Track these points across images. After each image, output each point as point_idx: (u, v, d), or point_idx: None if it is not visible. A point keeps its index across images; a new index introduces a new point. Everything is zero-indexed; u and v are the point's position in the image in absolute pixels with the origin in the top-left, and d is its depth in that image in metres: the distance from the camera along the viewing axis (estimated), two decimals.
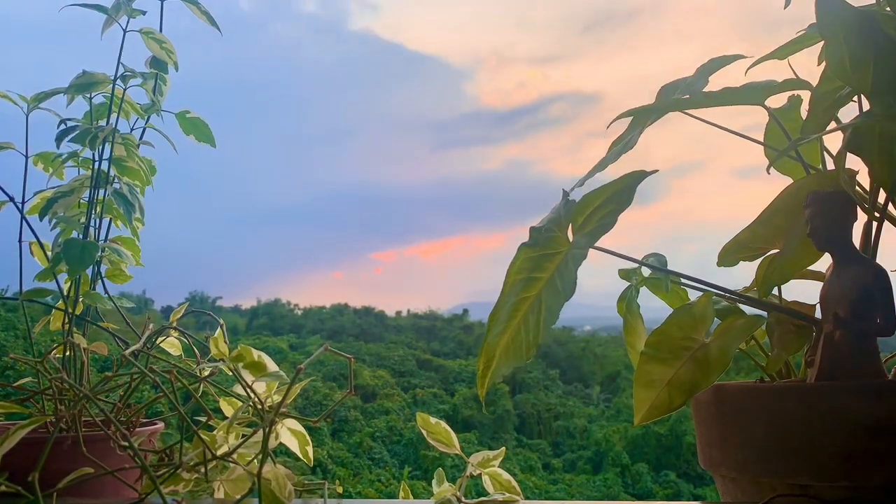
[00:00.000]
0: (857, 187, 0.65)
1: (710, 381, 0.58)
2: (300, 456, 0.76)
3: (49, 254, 0.89)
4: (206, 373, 0.72)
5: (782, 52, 0.76)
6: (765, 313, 0.66)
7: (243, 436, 0.70)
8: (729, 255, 0.68)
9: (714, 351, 0.59)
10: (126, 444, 0.63)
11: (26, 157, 0.90)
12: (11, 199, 0.86)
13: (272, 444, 0.64)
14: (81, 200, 0.89)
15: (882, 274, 0.59)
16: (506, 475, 0.70)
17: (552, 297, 0.60)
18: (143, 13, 0.90)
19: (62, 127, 0.88)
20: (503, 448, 0.74)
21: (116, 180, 0.91)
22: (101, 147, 0.87)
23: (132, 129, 0.96)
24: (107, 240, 0.93)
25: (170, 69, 0.94)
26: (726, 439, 0.59)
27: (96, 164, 0.89)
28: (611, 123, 0.74)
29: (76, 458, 0.65)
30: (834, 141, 0.67)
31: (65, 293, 0.86)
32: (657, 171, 0.61)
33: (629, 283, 0.76)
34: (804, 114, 0.68)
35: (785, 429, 0.55)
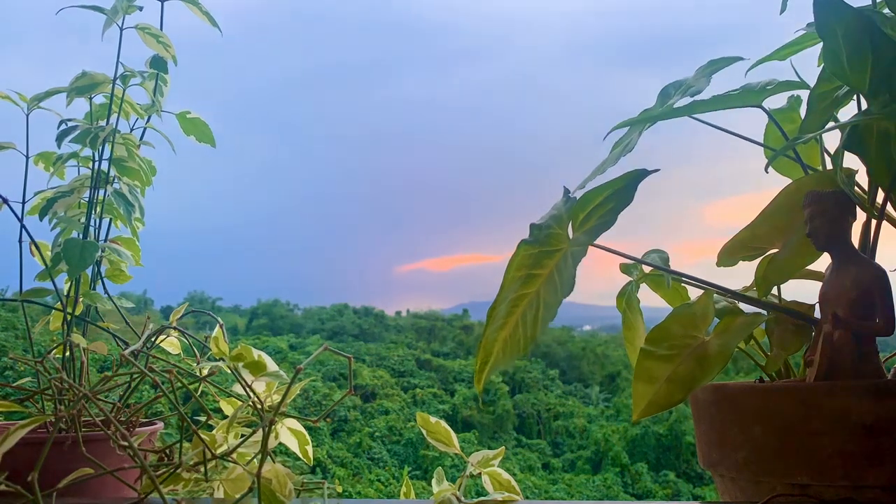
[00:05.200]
0: (855, 187, 0.65)
1: (710, 377, 0.59)
2: (300, 455, 0.77)
3: (50, 253, 0.89)
4: (206, 372, 0.72)
5: (782, 53, 0.76)
6: (765, 312, 0.66)
7: (243, 435, 0.70)
8: (728, 255, 0.68)
9: (714, 348, 0.60)
10: (126, 444, 0.63)
11: (27, 157, 0.90)
12: (5, 201, 0.85)
13: (272, 443, 0.64)
14: (81, 200, 0.89)
15: (881, 274, 0.59)
16: (505, 475, 0.70)
17: (551, 293, 0.60)
18: (140, 9, 0.91)
19: (63, 127, 0.88)
20: (503, 448, 0.74)
21: (116, 180, 0.92)
22: (101, 147, 0.88)
23: (132, 129, 0.96)
24: (107, 240, 0.93)
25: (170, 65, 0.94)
26: (726, 439, 0.59)
27: (96, 164, 0.89)
28: (608, 133, 0.75)
29: (76, 458, 0.65)
30: (833, 141, 0.67)
31: (64, 293, 0.86)
32: (658, 170, 0.61)
33: (629, 280, 0.76)
34: (803, 114, 0.68)
35: (784, 429, 0.56)
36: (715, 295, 0.65)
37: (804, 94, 0.70)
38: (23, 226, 0.86)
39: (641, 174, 0.61)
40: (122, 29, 0.90)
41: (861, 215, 0.63)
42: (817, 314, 0.64)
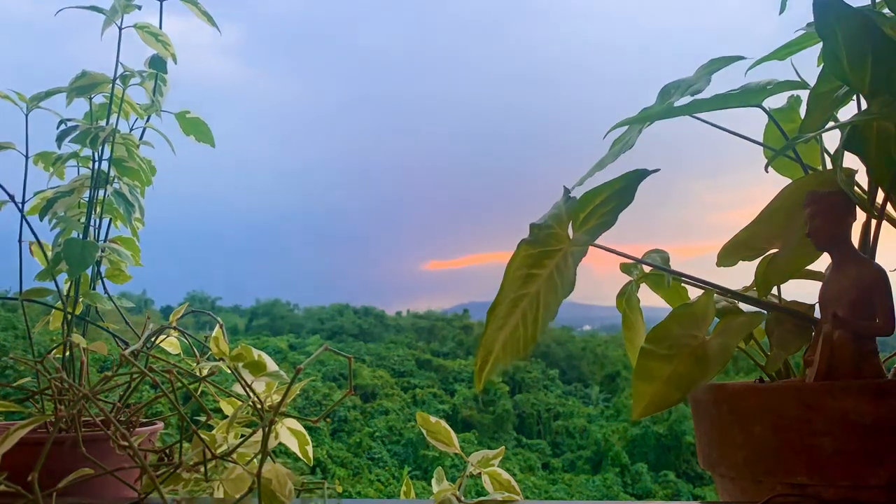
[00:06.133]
0: (855, 187, 0.65)
1: (709, 377, 0.59)
2: (300, 455, 0.77)
3: (49, 253, 0.89)
4: (206, 372, 0.72)
5: (782, 53, 0.76)
6: (765, 311, 0.66)
7: (243, 435, 0.70)
8: (728, 255, 0.68)
9: (714, 348, 0.60)
10: (126, 444, 0.63)
11: (27, 157, 0.90)
12: (11, 198, 0.86)
13: (272, 443, 0.64)
14: (81, 200, 0.89)
15: (881, 274, 0.59)
16: (505, 475, 0.70)
17: (551, 293, 0.60)
18: (139, 8, 0.91)
19: (62, 127, 0.88)
20: (502, 447, 0.74)
21: (116, 180, 0.92)
22: (101, 147, 0.88)
23: (132, 129, 0.96)
24: (107, 240, 0.93)
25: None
26: (725, 439, 0.59)
27: (96, 164, 0.89)
28: (608, 132, 0.75)
29: (76, 458, 0.65)
30: (833, 142, 0.67)
31: (64, 293, 0.86)
32: (658, 169, 0.61)
33: (629, 279, 0.76)
34: (803, 114, 0.68)
35: (784, 428, 0.56)
36: (715, 295, 0.65)
37: (804, 94, 0.70)
38: (29, 225, 0.87)
39: (642, 174, 0.61)
40: (120, 29, 0.90)
41: (861, 215, 0.63)
42: (817, 314, 0.64)
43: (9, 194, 0.86)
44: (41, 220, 0.87)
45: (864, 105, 0.64)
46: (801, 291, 0.68)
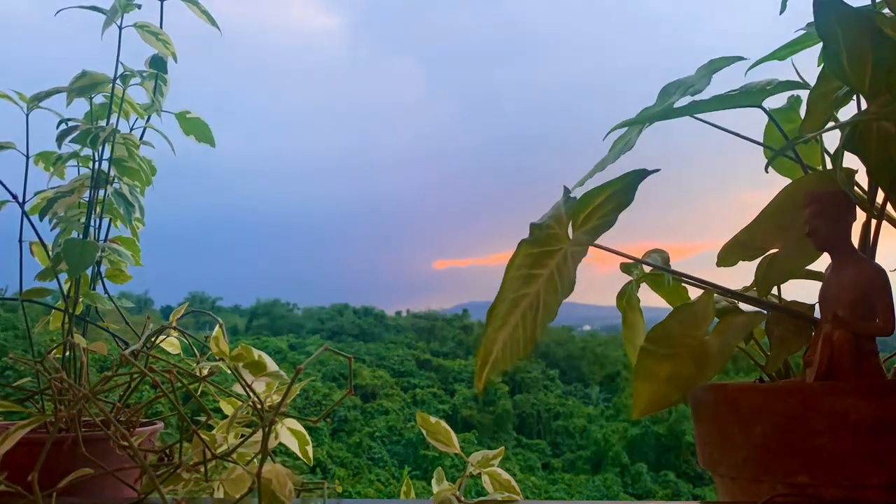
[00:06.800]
0: (855, 187, 0.65)
1: (709, 377, 0.59)
2: (300, 455, 0.77)
3: (50, 253, 0.89)
4: (206, 372, 0.72)
5: (782, 53, 0.76)
6: (765, 311, 0.66)
7: (243, 435, 0.70)
8: (728, 255, 0.68)
9: (714, 347, 0.60)
10: (126, 444, 0.63)
11: (27, 156, 0.90)
12: (15, 198, 0.86)
13: (272, 443, 0.64)
14: (81, 200, 0.89)
15: (881, 274, 0.59)
16: (505, 475, 0.70)
17: (551, 293, 0.60)
18: (139, 7, 0.91)
19: (63, 127, 0.88)
20: (502, 447, 0.74)
21: (116, 180, 0.92)
22: (101, 147, 0.88)
23: (132, 129, 0.96)
24: (107, 240, 0.93)
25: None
26: (725, 439, 0.59)
27: (96, 164, 0.89)
28: (608, 134, 0.75)
29: (76, 458, 0.65)
30: (833, 142, 0.67)
31: (65, 293, 0.86)
32: (658, 170, 0.61)
33: (629, 279, 0.76)
34: (803, 114, 0.68)
35: (784, 428, 0.56)
36: (715, 295, 0.65)
37: (804, 94, 0.70)
38: (32, 224, 0.87)
39: (642, 174, 0.61)
40: (120, 28, 0.90)
41: (861, 215, 0.63)
42: (817, 314, 0.64)
43: (12, 194, 0.86)
44: (41, 219, 0.87)
45: (864, 105, 0.64)
46: (801, 291, 0.68)
